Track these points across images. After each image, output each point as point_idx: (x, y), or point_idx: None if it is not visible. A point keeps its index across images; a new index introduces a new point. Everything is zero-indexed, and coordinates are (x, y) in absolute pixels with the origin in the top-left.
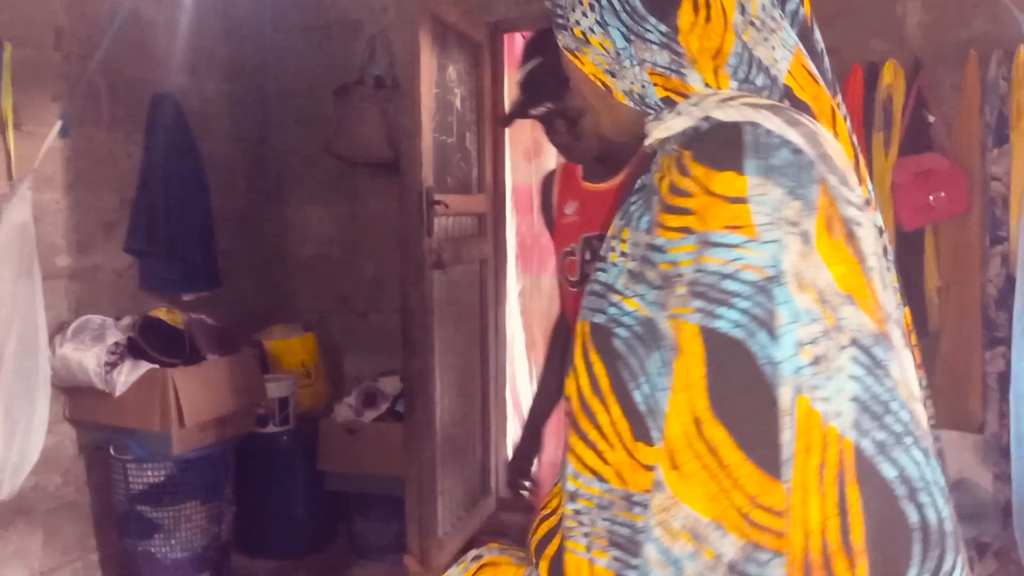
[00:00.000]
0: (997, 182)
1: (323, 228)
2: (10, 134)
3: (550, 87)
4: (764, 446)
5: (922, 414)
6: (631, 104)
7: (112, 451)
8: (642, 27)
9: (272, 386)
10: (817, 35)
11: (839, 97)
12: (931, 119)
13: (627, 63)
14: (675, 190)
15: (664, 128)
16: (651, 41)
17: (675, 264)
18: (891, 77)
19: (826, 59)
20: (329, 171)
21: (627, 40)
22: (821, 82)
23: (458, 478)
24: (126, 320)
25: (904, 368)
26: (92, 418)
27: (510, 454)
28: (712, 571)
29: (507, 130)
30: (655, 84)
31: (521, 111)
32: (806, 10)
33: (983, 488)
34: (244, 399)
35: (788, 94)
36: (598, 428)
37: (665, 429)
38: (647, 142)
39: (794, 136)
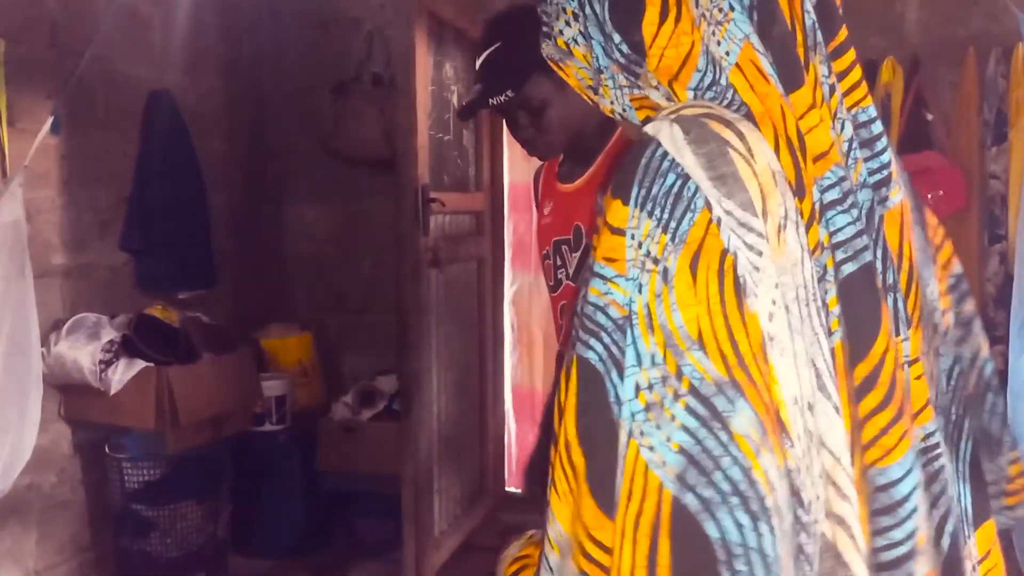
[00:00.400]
0: (995, 180)
1: (320, 227)
2: (3, 131)
3: (511, 74)
4: (601, 482)
5: (768, 469)
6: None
7: (107, 450)
8: (612, 45)
9: (269, 385)
10: (781, 13)
11: (813, 85)
12: (929, 117)
13: (608, 83)
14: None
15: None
16: (619, 62)
17: (598, 291)
18: (889, 75)
19: (810, 38)
20: (326, 169)
21: (607, 58)
22: (771, 79)
23: (455, 477)
24: (121, 318)
25: (751, 419)
26: (87, 417)
27: (507, 453)
28: None
29: (505, 127)
30: (635, 108)
31: (481, 101)
32: None
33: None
34: (240, 398)
35: (731, 94)
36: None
37: (554, 448)
38: None
39: (688, 158)
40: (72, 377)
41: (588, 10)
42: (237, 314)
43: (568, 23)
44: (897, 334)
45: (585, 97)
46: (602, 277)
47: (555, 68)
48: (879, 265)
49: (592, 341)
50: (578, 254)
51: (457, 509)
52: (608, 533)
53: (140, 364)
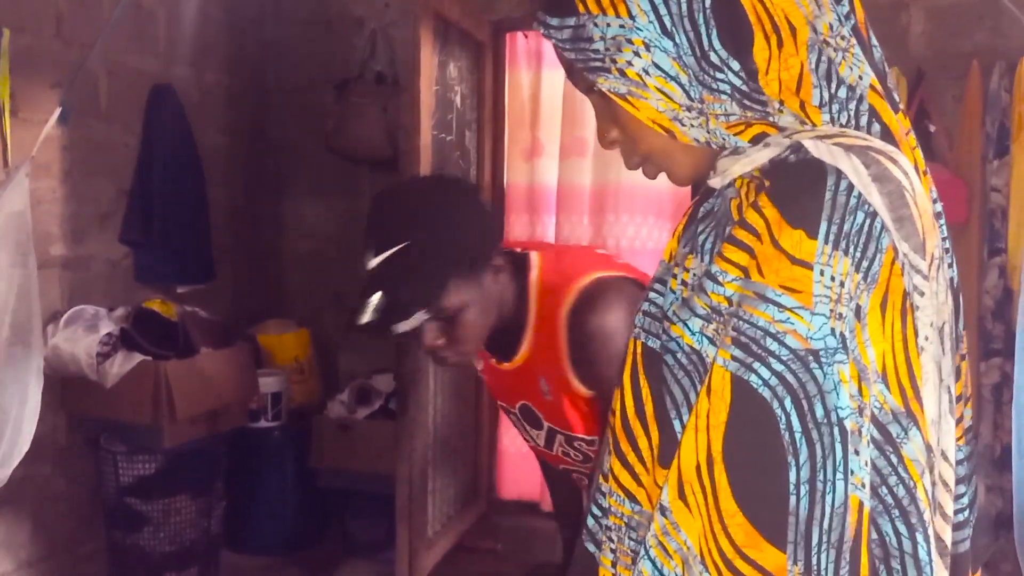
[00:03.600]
0: (997, 193)
1: (319, 224)
2: (7, 121)
3: (424, 287)
4: (761, 505)
5: (927, 488)
6: (701, 145)
7: (102, 443)
8: (711, 76)
9: (265, 381)
10: (875, 49)
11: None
12: (932, 129)
13: (700, 116)
14: (744, 224)
15: (747, 162)
16: (721, 91)
17: (728, 300)
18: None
19: (888, 74)
20: (327, 167)
21: (699, 85)
22: (889, 104)
23: (450, 478)
24: (119, 311)
25: (920, 446)
26: (83, 409)
27: (501, 456)
28: None
29: (506, 127)
30: (737, 133)
31: (381, 326)
32: (860, 24)
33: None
34: (237, 393)
35: (874, 115)
36: (636, 451)
37: (679, 458)
38: (718, 180)
39: (875, 197)
40: (69, 369)
41: (678, 40)
42: (235, 310)
43: (638, 53)
44: (958, 331)
45: (656, 129)
46: (777, 304)
47: (619, 101)
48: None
49: (756, 364)
50: (541, 432)
51: (451, 510)
52: (766, 554)
53: (138, 357)
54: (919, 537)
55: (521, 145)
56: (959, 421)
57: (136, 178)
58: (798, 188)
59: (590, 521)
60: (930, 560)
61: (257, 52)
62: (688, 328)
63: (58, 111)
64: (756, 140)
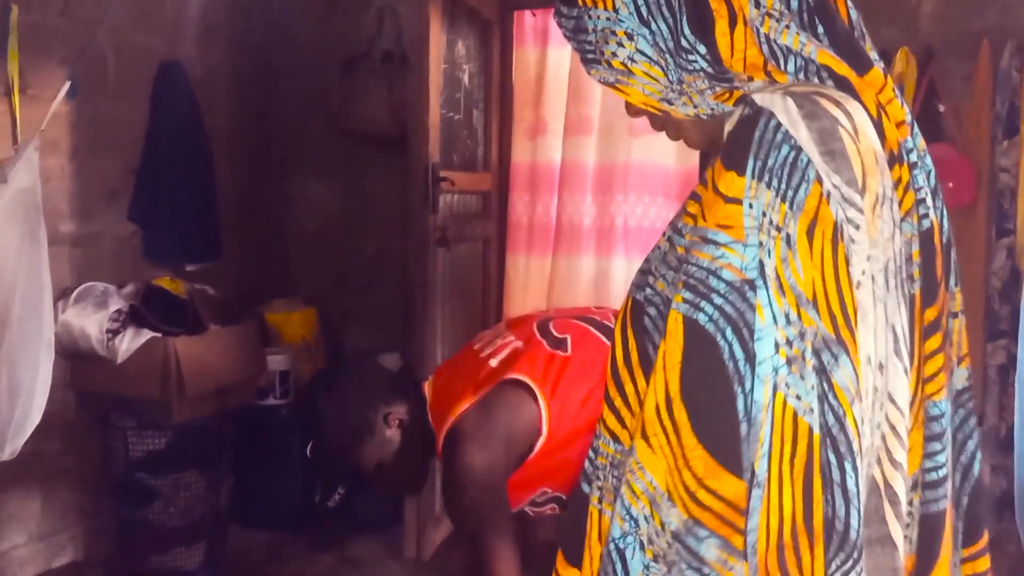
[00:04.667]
0: (1005, 174)
1: (325, 204)
2: (16, 97)
3: (333, 464)
4: (717, 436)
5: (858, 417)
6: (698, 119)
7: (112, 418)
8: (685, 59)
9: (273, 359)
10: (843, 15)
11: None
12: (941, 109)
13: (683, 95)
14: (702, 178)
15: (729, 123)
16: (696, 71)
17: (685, 250)
18: (903, 65)
19: (857, 29)
20: (333, 147)
21: (681, 69)
22: (845, 64)
23: None
24: (128, 288)
25: (850, 374)
26: (93, 385)
27: None
28: (659, 536)
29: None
30: (723, 101)
31: (320, 506)
32: None
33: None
34: (245, 370)
35: (827, 71)
36: (623, 396)
37: (644, 402)
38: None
39: (802, 132)
40: (79, 345)
41: (654, 27)
42: (242, 289)
43: (621, 43)
44: (947, 288)
45: (650, 109)
46: (715, 243)
47: (612, 90)
48: (938, 225)
49: (702, 303)
50: None
51: None
52: (724, 482)
53: (147, 334)
54: (847, 466)
55: (525, 124)
56: (934, 376)
57: (144, 156)
58: (737, 135)
59: (586, 464)
60: (857, 492)
61: (263, 30)
62: (665, 280)
63: (67, 84)
64: (739, 103)
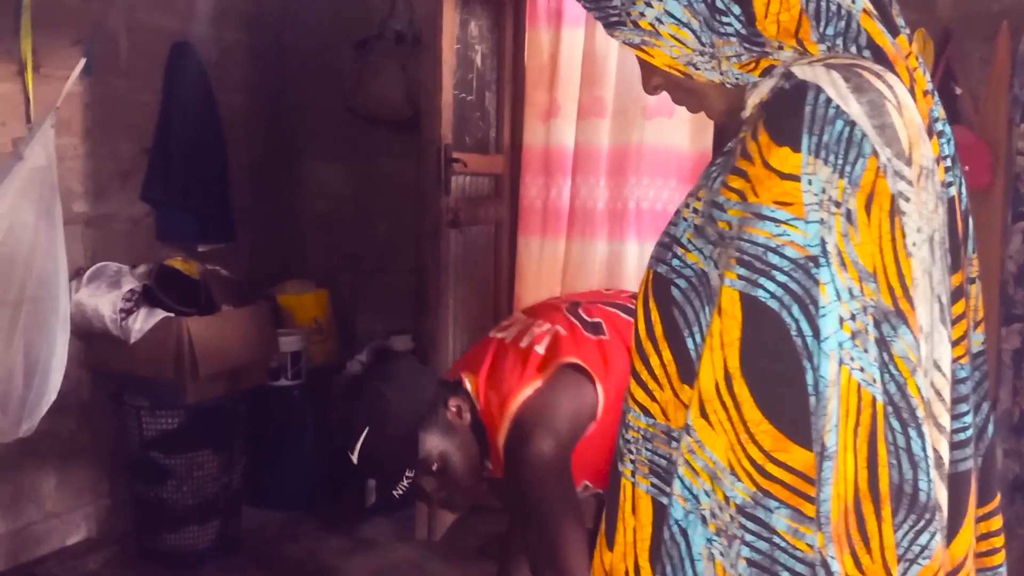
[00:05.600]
0: (1023, 157)
1: (337, 186)
2: (29, 76)
3: (397, 454)
4: (785, 411)
5: (919, 385)
6: (721, 85)
7: (126, 398)
8: (718, 21)
9: (285, 340)
10: None
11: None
12: (958, 91)
13: (712, 59)
14: (743, 153)
15: (756, 95)
16: (728, 35)
17: (731, 225)
18: (920, 47)
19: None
20: (345, 128)
21: (711, 32)
22: (885, 28)
23: None
24: (141, 268)
25: (910, 343)
26: (106, 365)
27: None
28: (721, 510)
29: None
30: (748, 71)
31: (383, 498)
32: None
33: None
34: (257, 351)
35: (867, 38)
36: (649, 369)
37: (699, 379)
38: (745, 113)
39: (853, 106)
40: (92, 325)
41: None
42: (254, 270)
43: (650, 3)
44: (966, 254)
45: (673, 72)
46: (773, 220)
47: (635, 52)
48: (957, 192)
49: (762, 280)
50: None
51: None
52: (794, 455)
53: (160, 314)
54: (912, 432)
55: (538, 106)
56: (960, 341)
57: (156, 137)
58: (783, 109)
59: (618, 441)
60: (925, 456)
61: (276, 11)
62: (701, 253)
63: (83, 61)
64: (765, 74)
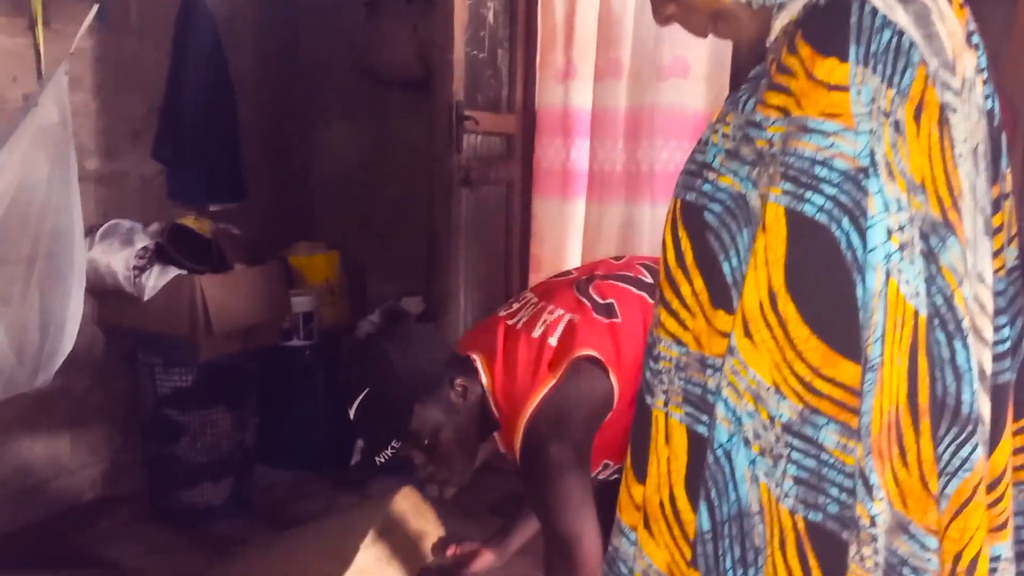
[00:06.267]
0: None
1: (348, 148)
2: (39, 31)
3: (390, 420)
4: (833, 325)
5: (966, 296)
6: (748, 6)
7: (139, 355)
8: None
9: (297, 301)
10: None
11: None
12: None
13: None
14: (781, 68)
15: (786, 14)
16: None
17: (771, 143)
18: None
19: None
20: (357, 89)
21: None
22: None
23: None
24: (154, 226)
25: (958, 254)
26: (120, 322)
27: None
28: (766, 430)
29: (539, 49)
30: None
31: (368, 462)
32: None
33: None
34: (270, 310)
35: None
36: (680, 298)
37: (742, 300)
38: (771, 38)
39: (900, 15)
40: (105, 282)
41: None
42: (265, 232)
43: None
44: (1002, 168)
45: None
46: (821, 132)
47: None
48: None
49: (809, 194)
50: None
51: None
52: (842, 369)
53: (173, 271)
54: (957, 344)
55: (554, 67)
56: (998, 253)
57: (167, 95)
58: (826, 21)
59: (645, 375)
60: (969, 368)
61: None
62: (736, 176)
63: (95, 8)
64: None
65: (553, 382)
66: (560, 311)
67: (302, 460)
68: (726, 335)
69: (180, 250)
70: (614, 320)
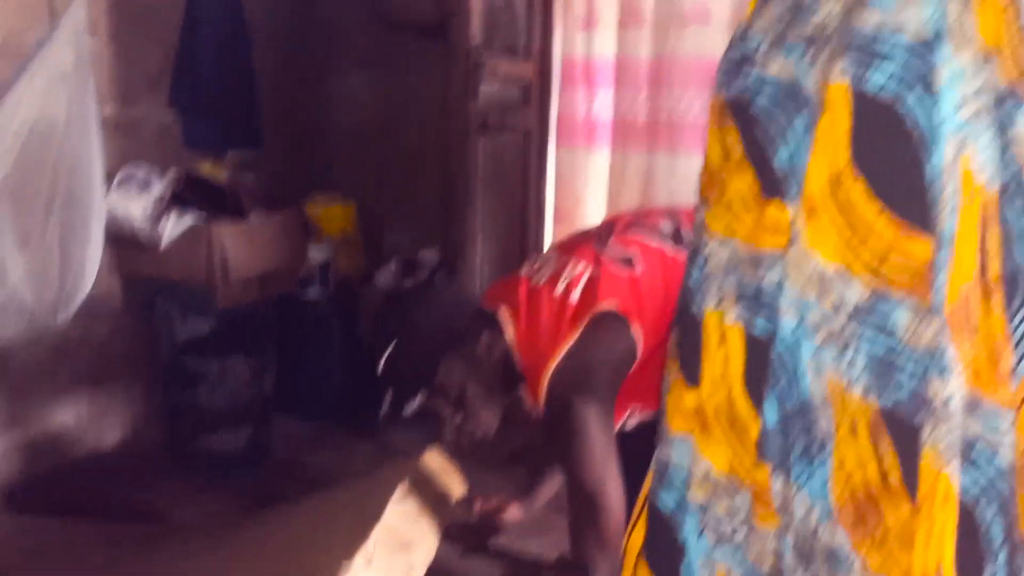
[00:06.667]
0: None
1: (364, 99)
2: None
3: (415, 372)
4: (906, 199)
5: None
6: None
7: (158, 303)
8: None
9: (314, 251)
10: None
11: None
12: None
13: None
14: None
15: None
16: None
17: (825, 23)
18: None
19: None
20: (374, 37)
21: None
22: None
23: None
24: (171, 173)
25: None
26: (137, 270)
27: None
28: (833, 318)
29: None
30: None
31: (394, 411)
32: None
33: None
34: (286, 259)
35: None
36: (728, 196)
37: (805, 184)
38: None
39: None
40: (122, 229)
41: None
42: (281, 183)
43: None
44: None
45: None
46: (882, 5)
47: None
48: None
49: (873, 70)
50: None
51: None
52: (915, 245)
53: (190, 219)
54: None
55: (576, 14)
56: None
57: (182, 41)
58: None
59: (689, 282)
60: None
61: None
62: (786, 62)
63: None
64: None
65: (575, 336)
66: (581, 266)
67: (319, 410)
68: (779, 228)
69: (197, 197)
70: (635, 272)
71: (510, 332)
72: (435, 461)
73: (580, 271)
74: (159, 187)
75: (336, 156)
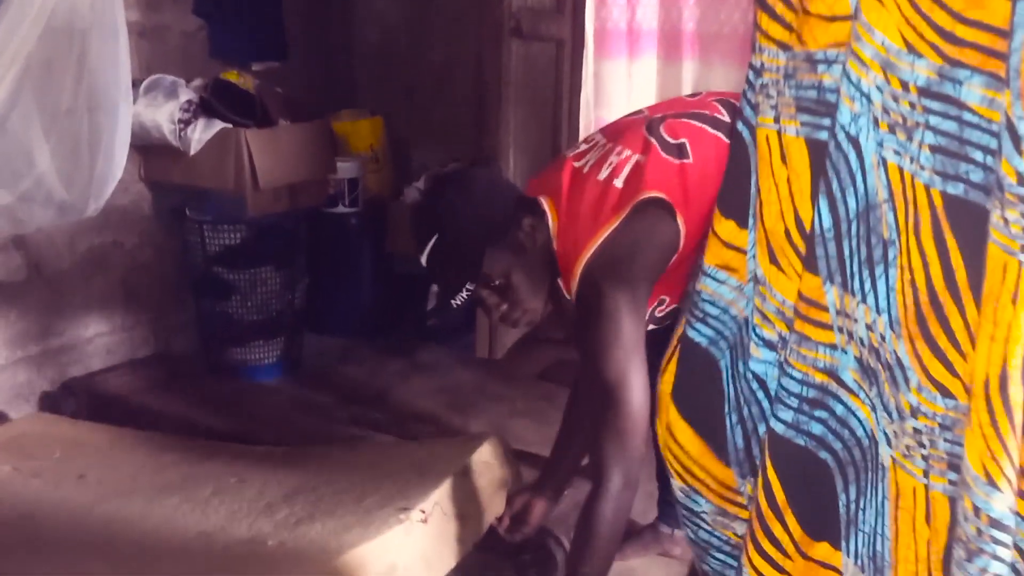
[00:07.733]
0: None
1: (390, 14)
2: None
3: (462, 264)
4: None
5: None
6: None
7: (187, 212)
8: None
9: (342, 166)
10: None
11: None
12: None
13: None
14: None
15: None
16: None
17: None
18: None
19: None
20: None
21: None
22: None
23: None
24: (197, 81)
25: None
26: (166, 178)
27: None
28: (898, 100)
29: None
30: None
31: (443, 305)
32: None
33: None
34: (315, 168)
35: None
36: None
37: None
38: None
39: None
40: (151, 136)
41: None
42: (308, 97)
43: None
44: None
45: None
46: None
47: None
48: None
49: None
50: None
51: None
52: (990, 8)
53: (219, 125)
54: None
55: None
56: None
57: None
58: None
59: (745, 103)
60: None
61: None
62: None
63: None
64: None
65: (616, 224)
66: (628, 152)
67: (348, 327)
68: (835, 17)
69: (224, 104)
70: (685, 161)
71: (551, 219)
72: (497, 448)
73: (626, 157)
74: (186, 94)
75: (362, 73)
